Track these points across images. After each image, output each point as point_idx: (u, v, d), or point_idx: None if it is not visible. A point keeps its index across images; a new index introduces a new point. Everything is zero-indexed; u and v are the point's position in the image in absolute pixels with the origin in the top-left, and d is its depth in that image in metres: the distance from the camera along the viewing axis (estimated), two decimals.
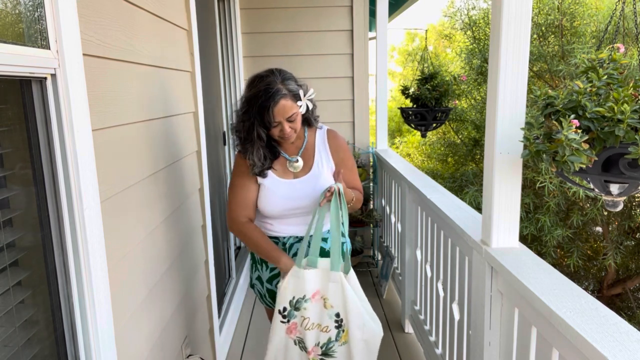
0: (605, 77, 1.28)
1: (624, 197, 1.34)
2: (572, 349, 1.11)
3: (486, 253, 1.54)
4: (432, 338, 2.48)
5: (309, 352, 1.72)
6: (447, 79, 4.05)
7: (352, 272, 1.76)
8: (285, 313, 1.72)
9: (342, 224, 1.76)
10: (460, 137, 6.14)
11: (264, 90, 1.64)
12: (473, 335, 1.71)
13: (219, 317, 2.71)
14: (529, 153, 1.31)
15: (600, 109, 1.20)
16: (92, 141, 1.18)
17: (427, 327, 2.60)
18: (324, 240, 1.87)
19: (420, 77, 3.97)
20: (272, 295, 1.88)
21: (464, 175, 5.32)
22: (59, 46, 1.06)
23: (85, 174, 1.14)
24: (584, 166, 1.23)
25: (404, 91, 3.95)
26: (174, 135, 1.94)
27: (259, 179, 1.80)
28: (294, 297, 1.71)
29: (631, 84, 1.24)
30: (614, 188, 1.30)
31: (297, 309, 1.71)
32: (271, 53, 3.98)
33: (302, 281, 1.70)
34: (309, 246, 1.75)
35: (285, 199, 1.79)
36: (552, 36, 4.75)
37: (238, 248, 4.07)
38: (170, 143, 1.90)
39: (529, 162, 1.50)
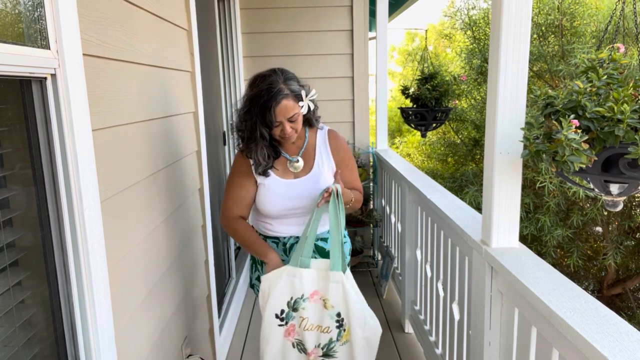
0: (605, 77, 1.28)
1: (624, 197, 1.34)
2: (572, 349, 1.11)
3: (486, 253, 1.54)
4: (432, 338, 2.48)
5: (309, 353, 1.72)
6: (447, 79, 4.05)
7: (348, 270, 1.76)
8: (283, 315, 1.72)
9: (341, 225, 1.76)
10: (460, 137, 6.14)
11: (266, 90, 1.64)
12: (473, 335, 1.71)
13: (219, 317, 2.71)
14: (529, 153, 1.31)
15: (600, 109, 1.20)
16: (92, 141, 1.18)
17: (427, 327, 2.60)
18: (324, 240, 1.87)
19: (420, 77, 3.97)
20: None
21: (464, 175, 5.32)
22: (59, 46, 1.06)
23: (85, 174, 1.14)
24: (583, 166, 1.23)
25: (404, 91, 3.95)
26: (174, 135, 1.94)
27: (259, 179, 1.80)
28: (291, 298, 1.71)
29: (631, 84, 1.24)
30: (614, 188, 1.30)
31: (295, 309, 1.71)
32: (271, 53, 3.98)
33: (299, 280, 1.70)
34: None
35: (285, 198, 1.79)
36: (552, 36, 4.75)
37: (238, 248, 4.07)
38: (170, 143, 1.90)
39: (529, 162, 1.50)
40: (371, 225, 4.17)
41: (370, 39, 4.19)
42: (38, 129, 1.07)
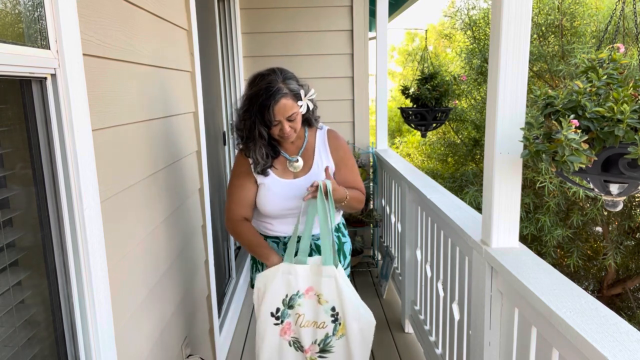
0: (605, 77, 1.28)
1: (624, 197, 1.34)
2: (572, 349, 1.11)
3: (486, 253, 1.54)
4: (432, 338, 2.48)
5: (306, 350, 1.72)
6: (447, 79, 4.05)
7: (340, 265, 1.75)
8: (279, 314, 1.72)
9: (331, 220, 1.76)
10: (460, 137, 6.14)
11: (265, 89, 1.64)
12: (473, 335, 1.71)
13: (219, 317, 2.71)
14: (529, 153, 1.31)
15: (600, 109, 1.20)
16: (92, 141, 1.18)
17: (427, 327, 2.60)
18: None
19: (420, 77, 3.97)
20: None
21: (464, 175, 5.32)
22: (59, 46, 1.06)
23: (85, 174, 1.14)
24: (583, 166, 1.23)
25: (404, 91, 3.95)
26: (174, 135, 1.94)
27: (259, 179, 1.80)
28: (287, 295, 1.71)
29: (631, 84, 1.24)
30: (614, 188, 1.30)
31: (291, 307, 1.71)
32: (271, 53, 3.98)
33: (294, 277, 1.70)
34: (298, 241, 1.74)
35: (285, 198, 1.79)
36: (552, 36, 4.75)
37: (238, 248, 4.07)
38: (170, 143, 1.90)
39: (529, 162, 1.50)
40: (371, 225, 4.17)
41: (370, 39, 4.19)
42: (38, 129, 1.07)
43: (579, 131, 1.20)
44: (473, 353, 1.72)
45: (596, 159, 1.23)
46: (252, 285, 1.98)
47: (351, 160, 1.91)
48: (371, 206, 4.23)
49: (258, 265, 1.92)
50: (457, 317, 2.06)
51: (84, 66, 1.16)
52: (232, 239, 3.60)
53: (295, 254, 1.73)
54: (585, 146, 1.21)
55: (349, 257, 1.97)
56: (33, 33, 1.01)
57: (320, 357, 1.73)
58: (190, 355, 2.02)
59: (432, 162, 6.92)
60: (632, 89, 1.22)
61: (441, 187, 2.55)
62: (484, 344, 1.61)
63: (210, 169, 2.68)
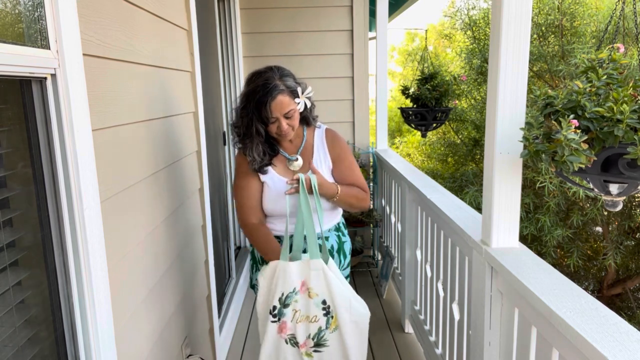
0: (605, 77, 1.28)
1: (624, 197, 1.34)
2: (572, 349, 1.11)
3: (486, 253, 1.54)
4: (432, 338, 2.48)
5: (301, 346, 1.72)
6: (447, 79, 4.05)
7: (331, 261, 1.75)
8: (275, 312, 1.72)
9: (319, 216, 1.76)
10: (460, 137, 6.14)
11: (262, 86, 1.65)
12: (473, 335, 1.71)
13: (219, 317, 2.71)
14: (528, 153, 1.31)
15: (600, 109, 1.20)
16: (92, 141, 1.18)
17: (427, 327, 2.60)
18: (326, 239, 1.86)
19: (420, 77, 3.97)
20: None
21: (464, 175, 5.32)
22: (59, 46, 1.06)
23: (85, 174, 1.14)
24: (583, 166, 1.23)
25: (404, 91, 3.95)
26: (174, 135, 1.94)
27: (262, 177, 1.80)
28: (282, 294, 1.71)
29: (631, 84, 1.24)
30: (614, 188, 1.30)
31: (286, 305, 1.71)
32: (271, 53, 3.98)
33: (288, 275, 1.70)
34: (291, 237, 1.75)
35: (282, 195, 1.79)
36: (552, 36, 4.75)
37: (238, 248, 4.07)
38: (170, 143, 1.90)
39: (529, 162, 1.50)
40: (371, 225, 4.17)
41: (370, 39, 4.19)
42: (38, 129, 1.07)
43: (578, 131, 1.21)
44: (473, 353, 1.72)
45: (596, 159, 1.23)
46: (252, 286, 1.98)
47: (349, 157, 1.90)
48: (371, 206, 4.23)
49: (258, 265, 1.92)
50: (457, 317, 2.06)
51: (84, 66, 1.16)
52: (232, 239, 3.61)
53: (290, 251, 1.73)
54: (585, 146, 1.21)
55: (349, 257, 1.97)
56: (33, 33, 1.01)
57: (315, 351, 1.72)
58: (190, 355, 2.02)
59: (432, 162, 6.92)
60: (631, 89, 1.22)
61: (441, 187, 2.55)
62: (484, 344, 1.61)
63: (210, 169, 2.68)
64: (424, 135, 4.08)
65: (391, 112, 9.48)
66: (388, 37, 4.19)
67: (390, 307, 3.39)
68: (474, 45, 5.48)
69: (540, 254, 4.26)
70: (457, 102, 5.55)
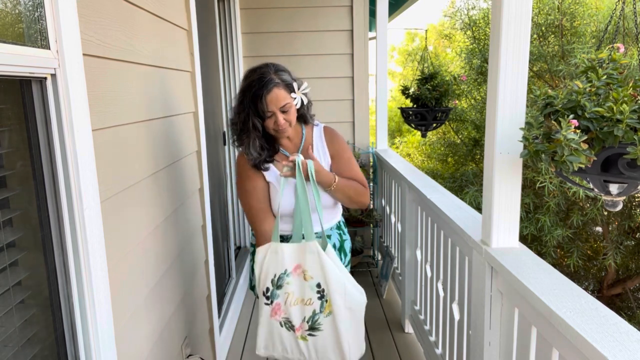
0: (605, 77, 1.28)
1: (624, 197, 1.34)
2: (572, 349, 1.11)
3: (486, 253, 1.54)
4: (432, 338, 2.48)
5: (297, 329, 1.72)
6: (447, 79, 4.05)
7: (329, 248, 1.74)
8: (269, 294, 1.72)
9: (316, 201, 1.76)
10: (460, 137, 6.14)
11: (257, 80, 1.66)
12: (473, 335, 1.71)
13: (219, 317, 2.71)
14: (528, 153, 1.31)
15: (600, 109, 1.20)
16: (92, 141, 1.18)
17: (427, 327, 2.60)
18: (327, 237, 1.86)
19: (420, 77, 3.97)
20: None
21: (464, 175, 5.32)
22: (59, 46, 1.06)
23: (85, 174, 1.14)
24: (583, 166, 1.23)
25: (404, 91, 3.95)
26: (174, 135, 1.94)
27: (267, 177, 1.79)
28: (275, 275, 1.71)
29: (630, 84, 1.24)
30: (614, 188, 1.30)
31: (279, 286, 1.71)
32: (272, 53, 3.98)
33: (280, 256, 1.71)
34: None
35: (288, 197, 1.79)
36: (552, 36, 4.75)
37: (238, 248, 4.07)
38: (170, 143, 1.90)
39: (529, 162, 1.50)
40: (371, 225, 4.17)
41: (370, 39, 4.19)
42: (38, 129, 1.07)
43: (578, 131, 1.21)
44: (473, 353, 1.72)
45: (595, 159, 1.23)
46: (251, 287, 1.98)
47: (347, 152, 1.89)
48: (371, 206, 4.23)
49: None
50: (457, 317, 2.06)
51: (84, 66, 1.16)
52: (232, 239, 3.61)
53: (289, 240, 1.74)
54: (585, 146, 1.21)
55: (349, 255, 1.97)
56: (33, 33, 1.01)
57: (310, 335, 1.72)
58: (190, 355, 2.02)
59: (432, 162, 6.93)
60: (631, 89, 1.23)
61: (441, 187, 2.55)
62: (484, 344, 1.61)
63: (210, 169, 2.68)
64: (424, 135, 4.08)
65: (391, 112, 9.48)
66: (388, 37, 4.19)
67: (390, 307, 3.39)
68: (474, 45, 5.48)
69: (540, 254, 4.26)
70: (457, 102, 5.55)
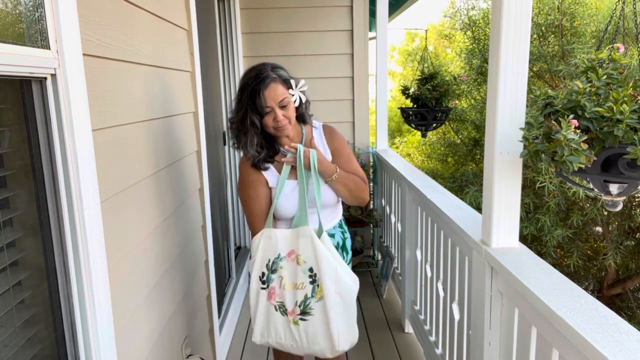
0: (605, 77, 1.28)
1: (624, 197, 1.34)
2: (572, 349, 1.11)
3: (486, 253, 1.54)
4: (432, 338, 2.48)
5: (289, 313, 1.72)
6: (447, 79, 4.05)
7: (325, 235, 1.74)
8: (264, 278, 1.74)
9: (316, 192, 1.76)
10: (460, 137, 6.14)
11: (255, 77, 1.67)
12: (473, 335, 1.71)
13: (219, 317, 2.71)
14: (528, 153, 1.31)
15: (600, 109, 1.20)
16: (92, 141, 1.19)
17: (427, 327, 2.60)
18: (332, 236, 1.86)
19: (420, 77, 3.97)
20: None
21: (464, 175, 5.32)
22: (59, 46, 1.06)
23: (85, 174, 1.14)
24: (583, 166, 1.23)
25: (404, 91, 3.96)
26: (174, 135, 1.94)
27: (270, 182, 1.78)
28: (269, 260, 1.73)
29: (630, 84, 1.24)
30: (614, 188, 1.30)
31: (274, 271, 1.72)
32: (272, 53, 3.98)
33: (273, 241, 1.72)
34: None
35: (290, 198, 1.78)
36: (552, 36, 4.75)
37: (238, 248, 4.07)
38: (170, 143, 1.90)
39: (529, 162, 1.51)
40: (371, 225, 4.17)
41: (370, 39, 4.19)
42: (38, 129, 1.07)
43: (578, 131, 1.21)
44: (473, 353, 1.72)
45: (595, 159, 1.23)
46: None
47: (346, 149, 1.90)
48: (371, 206, 4.23)
49: None
50: (457, 317, 2.06)
51: (84, 66, 1.16)
52: (232, 239, 3.61)
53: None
54: (585, 146, 1.21)
55: (350, 253, 1.97)
56: (33, 33, 1.01)
57: (301, 319, 1.72)
58: (190, 355, 2.02)
59: (432, 162, 6.93)
60: (631, 89, 1.22)
61: (441, 187, 2.56)
62: (484, 344, 1.61)
63: (210, 169, 2.68)
64: (424, 135, 4.09)
65: (391, 112, 9.48)
66: (388, 37, 4.19)
67: (390, 307, 3.39)
68: (474, 45, 5.48)
69: (540, 254, 4.26)
70: (457, 102, 5.55)
